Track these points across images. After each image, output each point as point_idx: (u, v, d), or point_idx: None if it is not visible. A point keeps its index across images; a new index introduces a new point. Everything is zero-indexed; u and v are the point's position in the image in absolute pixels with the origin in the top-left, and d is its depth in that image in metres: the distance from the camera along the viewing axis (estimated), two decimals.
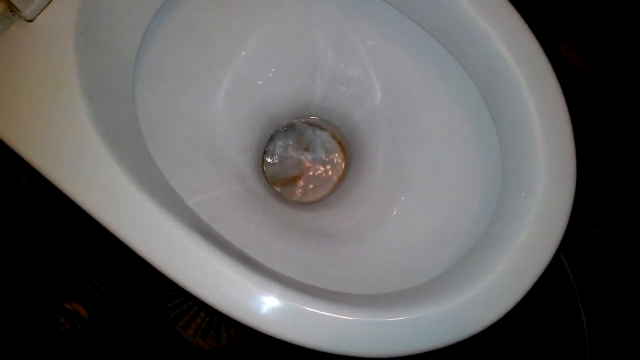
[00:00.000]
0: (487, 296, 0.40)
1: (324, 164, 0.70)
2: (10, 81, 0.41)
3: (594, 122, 0.88)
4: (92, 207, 0.39)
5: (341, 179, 0.69)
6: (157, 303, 0.76)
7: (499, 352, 0.78)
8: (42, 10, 0.42)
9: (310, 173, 0.69)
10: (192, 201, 0.47)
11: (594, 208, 0.85)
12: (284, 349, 0.75)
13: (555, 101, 0.44)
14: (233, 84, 0.61)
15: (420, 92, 0.59)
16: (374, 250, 0.55)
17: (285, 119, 0.69)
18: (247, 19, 0.59)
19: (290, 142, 0.70)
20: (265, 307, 0.38)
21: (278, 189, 0.69)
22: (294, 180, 0.69)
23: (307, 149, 0.70)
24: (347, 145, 0.70)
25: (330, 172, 0.70)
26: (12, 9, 0.41)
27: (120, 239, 0.39)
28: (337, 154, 0.70)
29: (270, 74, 0.63)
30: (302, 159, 0.70)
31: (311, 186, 0.69)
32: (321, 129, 0.71)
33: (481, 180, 0.52)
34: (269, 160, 0.69)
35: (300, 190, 0.69)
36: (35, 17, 0.42)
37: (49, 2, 0.42)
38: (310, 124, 0.71)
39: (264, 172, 0.68)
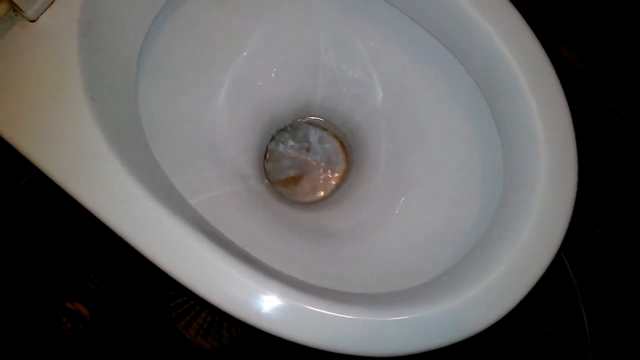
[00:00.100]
0: (487, 296, 0.40)
1: (325, 164, 0.70)
2: (13, 81, 0.41)
3: (595, 123, 0.88)
4: (95, 206, 0.39)
5: (342, 179, 0.69)
6: (158, 303, 0.76)
7: (500, 352, 0.78)
8: (45, 11, 0.42)
9: (312, 173, 0.70)
10: (194, 201, 0.47)
11: (595, 208, 0.85)
12: (286, 348, 0.75)
13: (557, 101, 0.44)
14: (234, 84, 0.61)
15: (421, 93, 0.59)
16: (375, 250, 0.56)
17: (287, 119, 0.69)
18: (247, 19, 0.60)
19: (292, 143, 0.70)
20: (267, 306, 0.38)
21: (279, 189, 0.69)
22: (295, 180, 0.69)
23: (308, 149, 0.70)
24: (348, 145, 0.70)
25: (331, 173, 0.70)
26: (15, 9, 0.42)
27: (124, 238, 0.39)
28: (338, 154, 0.70)
29: (271, 74, 0.63)
30: (304, 159, 0.70)
31: (312, 186, 0.69)
32: (322, 129, 0.71)
33: (481, 180, 0.52)
34: (270, 160, 0.69)
35: (301, 191, 0.69)
36: (37, 18, 0.42)
37: (52, 3, 0.43)
38: (312, 124, 0.71)
39: (265, 172, 0.69)
